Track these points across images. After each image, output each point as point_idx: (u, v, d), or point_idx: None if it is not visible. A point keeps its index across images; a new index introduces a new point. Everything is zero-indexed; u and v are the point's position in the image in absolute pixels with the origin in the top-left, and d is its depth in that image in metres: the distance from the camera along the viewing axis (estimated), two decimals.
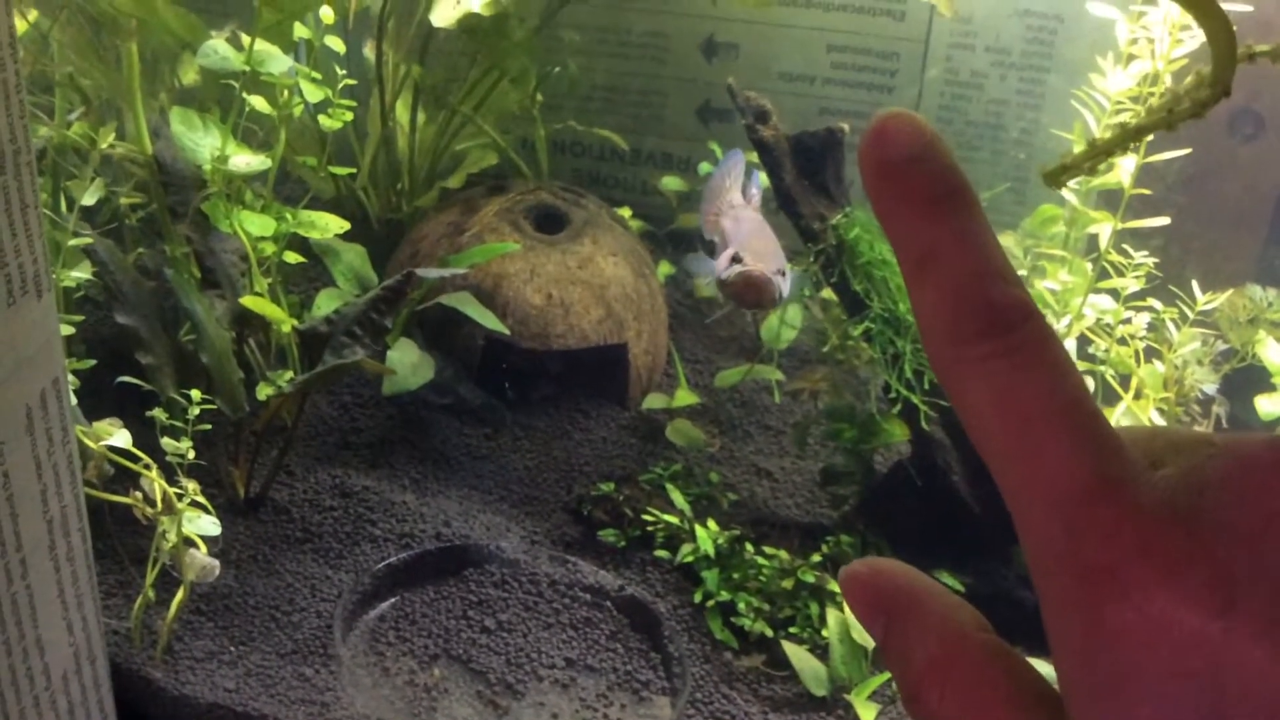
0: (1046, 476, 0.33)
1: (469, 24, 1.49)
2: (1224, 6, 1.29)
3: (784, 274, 1.26)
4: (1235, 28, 0.70)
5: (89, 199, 1.31)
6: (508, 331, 1.58)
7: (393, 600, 1.34)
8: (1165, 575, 0.31)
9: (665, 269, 1.90)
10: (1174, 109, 0.69)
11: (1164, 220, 1.52)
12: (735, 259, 1.24)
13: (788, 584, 1.36)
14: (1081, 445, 0.33)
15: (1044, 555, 0.33)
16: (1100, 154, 0.73)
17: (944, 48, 1.88)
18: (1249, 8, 1.28)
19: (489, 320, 1.54)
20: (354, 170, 1.76)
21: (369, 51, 1.83)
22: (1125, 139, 0.73)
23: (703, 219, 1.48)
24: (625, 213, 1.91)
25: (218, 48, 1.36)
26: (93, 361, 1.34)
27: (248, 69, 1.39)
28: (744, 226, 1.35)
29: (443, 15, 1.45)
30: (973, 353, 0.34)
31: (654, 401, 1.67)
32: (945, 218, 0.35)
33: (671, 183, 1.98)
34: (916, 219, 0.36)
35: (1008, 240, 1.67)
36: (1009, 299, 0.34)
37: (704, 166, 1.94)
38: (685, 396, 1.66)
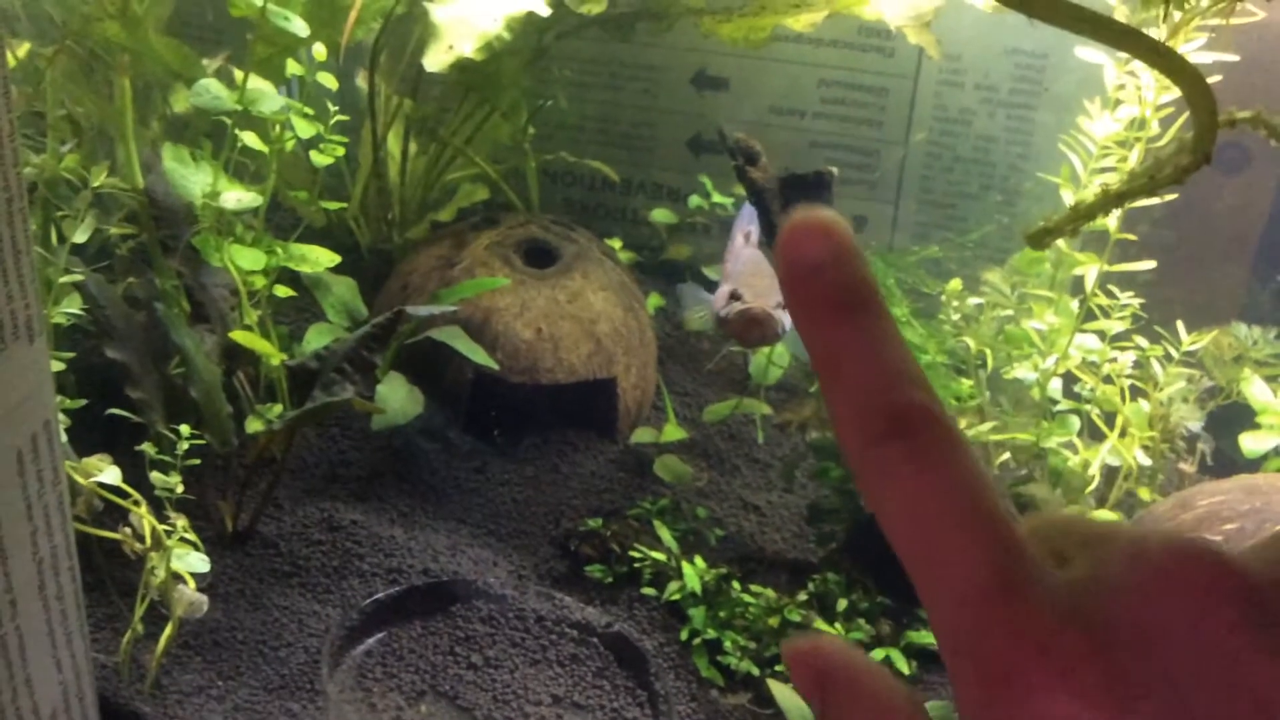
0: (950, 577, 0.34)
1: (461, 62, 1.50)
2: (1212, 56, 1.31)
3: (784, 307, 1.26)
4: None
5: (80, 237, 1.32)
6: (497, 366, 1.59)
7: (380, 636, 1.34)
8: (1063, 676, 0.31)
9: (655, 301, 1.91)
10: (1156, 175, 0.70)
11: (1149, 265, 1.54)
12: (734, 296, 1.23)
13: (774, 622, 1.37)
14: (982, 547, 0.34)
15: (952, 654, 0.34)
16: (1082, 217, 0.74)
17: (933, 85, 1.89)
18: (1235, 58, 1.29)
19: (478, 355, 1.54)
20: (345, 204, 1.77)
21: (361, 82, 1.83)
22: (1108, 204, 0.74)
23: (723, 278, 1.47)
24: (616, 244, 1.92)
25: (210, 87, 1.37)
26: (84, 401, 1.34)
27: (240, 107, 1.40)
28: (741, 263, 1.35)
29: (435, 60, 1.46)
30: (879, 456, 0.35)
31: (642, 436, 1.68)
32: (850, 324, 0.36)
33: (661, 215, 1.99)
34: (824, 325, 0.37)
35: (994, 277, 1.68)
36: (911, 402, 0.35)
37: (694, 199, 1.95)
38: (673, 431, 1.66)
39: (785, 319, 1.26)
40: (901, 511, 0.35)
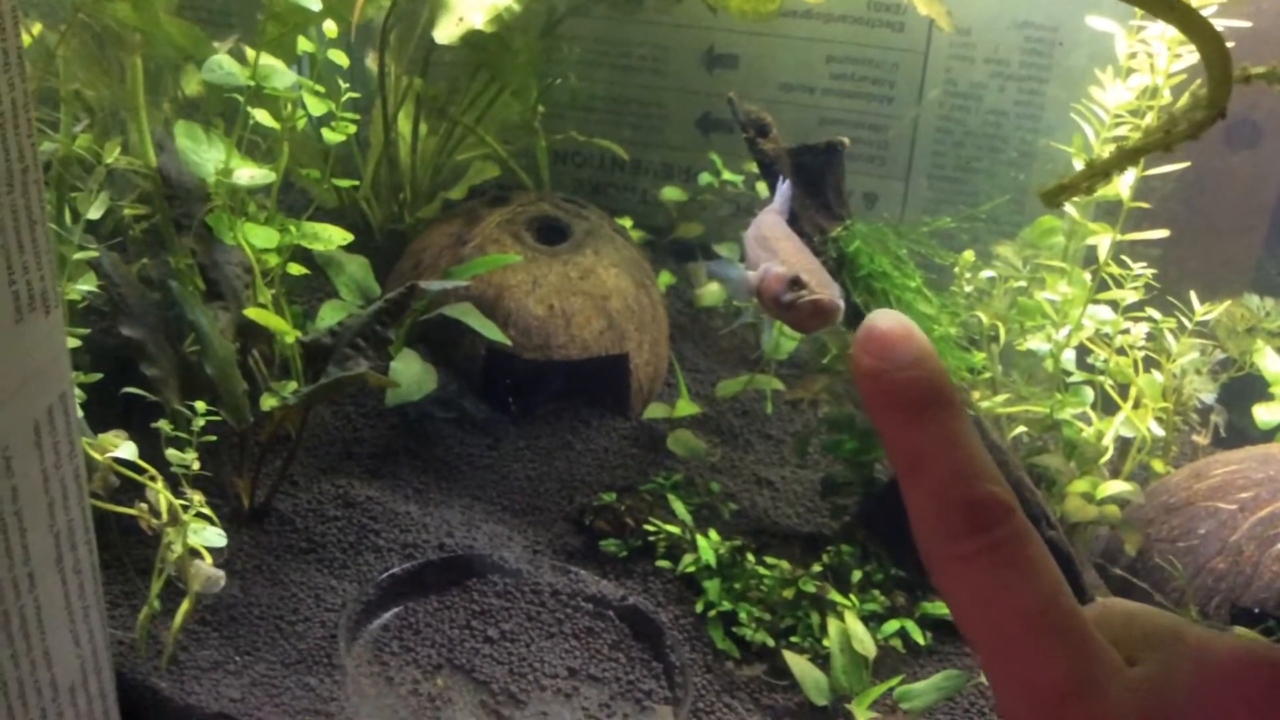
0: (1025, 677, 0.36)
1: (471, 38, 1.49)
2: (1222, 22, 1.30)
3: (843, 295, 1.22)
4: (1233, 44, 0.71)
5: (94, 213, 1.32)
6: (510, 342, 1.59)
7: (396, 610, 1.35)
8: None
9: (666, 279, 1.90)
10: (1170, 130, 0.70)
11: (1162, 233, 1.53)
12: (797, 283, 1.19)
13: (788, 594, 1.37)
14: (1056, 647, 0.35)
15: None
16: (1097, 174, 0.74)
17: (943, 59, 1.89)
18: (1248, 23, 1.29)
19: (491, 331, 1.54)
20: (357, 183, 1.77)
21: (371, 63, 1.83)
22: (1122, 160, 0.74)
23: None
24: (626, 223, 1.92)
25: (222, 63, 1.37)
26: (99, 375, 1.34)
27: (252, 84, 1.40)
28: (780, 240, 1.29)
29: (446, 32, 1.45)
30: (957, 550, 0.37)
31: (655, 411, 1.68)
32: (931, 421, 0.38)
33: (671, 193, 1.99)
34: (905, 424, 0.38)
35: (1007, 250, 1.68)
36: (990, 498, 0.37)
37: (704, 177, 1.95)
38: (686, 406, 1.66)
39: (843, 306, 1.22)
40: (977, 606, 0.37)
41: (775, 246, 1.26)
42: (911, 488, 0.38)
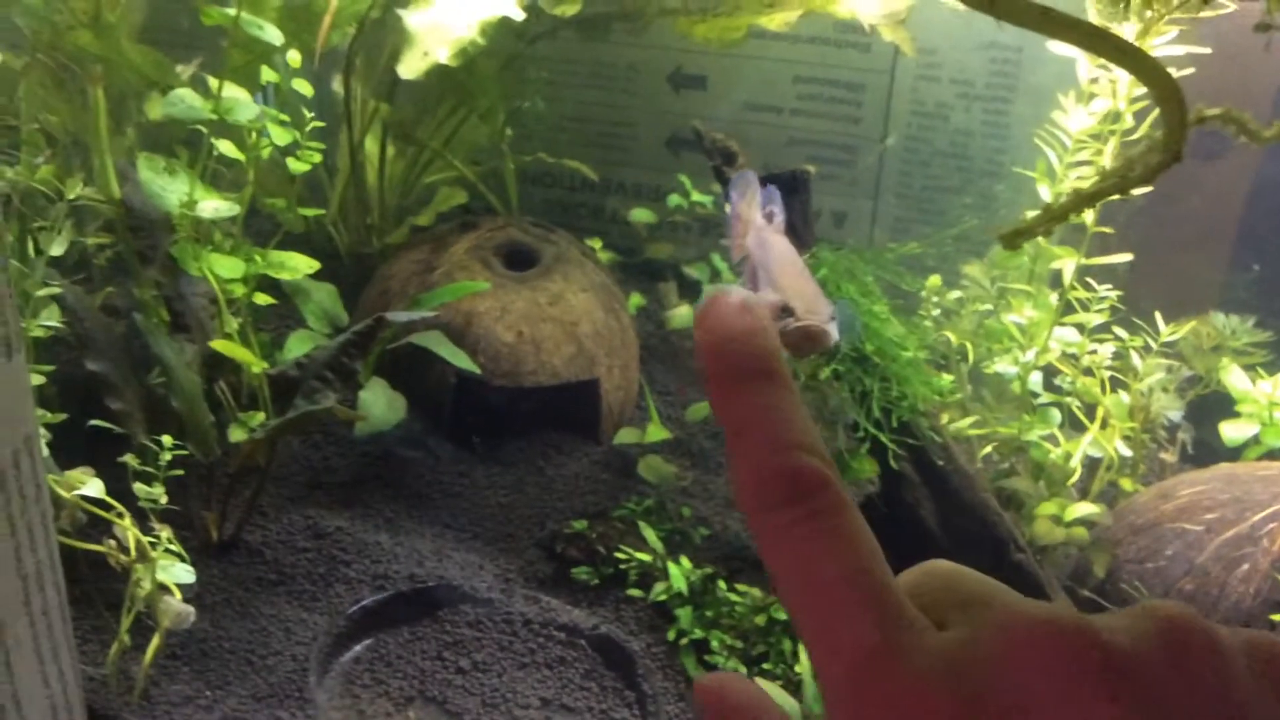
0: (837, 640, 0.36)
1: (437, 66, 1.49)
2: (1181, 50, 1.31)
3: (834, 318, 1.21)
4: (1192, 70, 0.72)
5: (57, 249, 1.31)
6: (479, 370, 1.58)
7: (368, 642, 1.34)
8: None
9: (636, 300, 1.90)
10: (1127, 175, 0.71)
11: (1126, 257, 1.54)
12: (786, 310, 1.17)
13: (760, 620, 1.37)
14: (868, 612, 0.36)
15: (836, 711, 0.36)
16: (1055, 218, 0.75)
17: (910, 79, 1.90)
18: (1206, 50, 1.30)
19: (460, 359, 1.54)
20: (322, 211, 1.76)
21: (338, 86, 1.83)
22: (1079, 204, 0.74)
23: (731, 247, 1.40)
24: (596, 244, 1.92)
25: (184, 96, 1.36)
26: (64, 415, 1.34)
27: (214, 116, 1.39)
28: (780, 263, 1.27)
29: (411, 67, 1.45)
30: (775, 519, 0.37)
31: (626, 436, 1.67)
32: (755, 394, 0.38)
33: (641, 215, 1.99)
34: (731, 394, 0.38)
35: (974, 270, 1.68)
36: (806, 469, 0.37)
37: (673, 199, 1.95)
38: (657, 431, 1.66)
39: (834, 330, 1.21)
40: (793, 572, 0.37)
41: (761, 263, 1.25)
42: (735, 457, 0.38)
